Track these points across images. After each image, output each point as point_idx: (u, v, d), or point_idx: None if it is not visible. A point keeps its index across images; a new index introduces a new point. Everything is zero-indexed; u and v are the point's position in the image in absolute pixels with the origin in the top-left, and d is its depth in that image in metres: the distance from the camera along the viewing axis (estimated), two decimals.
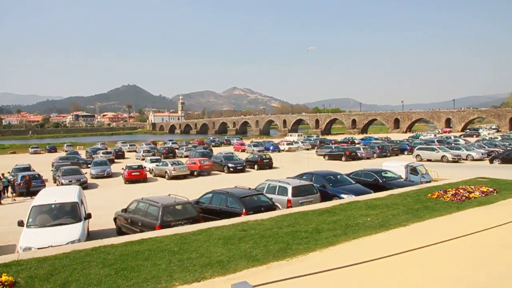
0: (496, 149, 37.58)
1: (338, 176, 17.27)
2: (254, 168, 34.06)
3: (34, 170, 29.71)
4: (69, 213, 11.20)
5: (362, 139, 64.60)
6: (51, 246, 9.23)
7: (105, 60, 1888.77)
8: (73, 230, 10.39)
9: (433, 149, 35.88)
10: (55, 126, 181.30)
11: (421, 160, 34.05)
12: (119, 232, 12.74)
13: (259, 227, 9.94)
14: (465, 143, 44.70)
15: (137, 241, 8.87)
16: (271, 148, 53.17)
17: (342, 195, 15.34)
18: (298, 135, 77.57)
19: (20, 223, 10.50)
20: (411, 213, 11.23)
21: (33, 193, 20.10)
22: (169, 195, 12.62)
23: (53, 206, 11.31)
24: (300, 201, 13.94)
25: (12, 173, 27.36)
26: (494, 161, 31.10)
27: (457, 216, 11.03)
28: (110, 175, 31.61)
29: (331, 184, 16.33)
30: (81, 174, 27.64)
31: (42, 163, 40.96)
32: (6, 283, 6.21)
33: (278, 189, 14.72)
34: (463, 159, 34.93)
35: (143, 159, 40.82)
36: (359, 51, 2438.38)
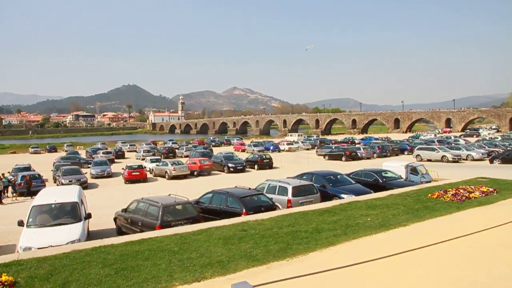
0: (496, 149, 37.59)
1: (338, 176, 17.26)
2: (254, 168, 34.06)
3: (34, 170, 29.71)
4: (69, 213, 11.21)
5: (362, 139, 64.61)
6: (51, 246, 9.22)
7: (105, 60, 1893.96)
8: (73, 230, 10.40)
9: (433, 149, 35.88)
10: (55, 126, 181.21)
11: (421, 160, 34.05)
12: (119, 232, 12.74)
13: (259, 227, 9.93)
14: (465, 143, 44.69)
15: (137, 241, 8.87)
16: (271, 148, 53.15)
17: (342, 195, 15.34)
18: (298, 135, 77.61)
19: (20, 223, 10.51)
20: (411, 213, 11.23)
21: (33, 193, 20.08)
22: (169, 195, 12.62)
23: (53, 206, 11.32)
24: (300, 201, 13.94)
25: (12, 173, 27.35)
26: (494, 161, 31.12)
27: (457, 216, 11.03)
28: (110, 175, 31.64)
29: (331, 184, 16.32)
30: (81, 174, 27.67)
31: (42, 163, 40.93)
32: (6, 283, 6.21)
33: (278, 189, 14.72)
34: (463, 159, 34.93)
35: (143, 159, 40.83)
36: (359, 51, 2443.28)
